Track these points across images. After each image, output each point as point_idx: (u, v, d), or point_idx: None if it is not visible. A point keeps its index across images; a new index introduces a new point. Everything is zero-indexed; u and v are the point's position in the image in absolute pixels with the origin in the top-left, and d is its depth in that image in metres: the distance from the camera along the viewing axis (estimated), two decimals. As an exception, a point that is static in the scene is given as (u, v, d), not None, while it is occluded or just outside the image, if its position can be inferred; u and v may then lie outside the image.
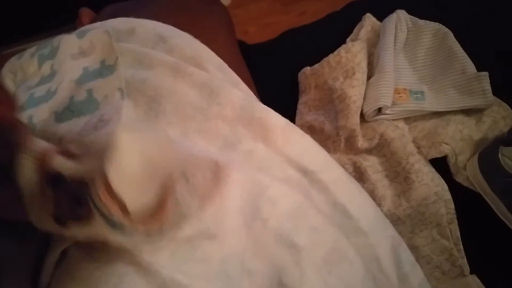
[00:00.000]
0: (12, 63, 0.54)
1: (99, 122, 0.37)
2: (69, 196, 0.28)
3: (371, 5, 0.70)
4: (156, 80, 0.40)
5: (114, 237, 0.29)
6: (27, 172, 0.28)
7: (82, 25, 0.73)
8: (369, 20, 0.67)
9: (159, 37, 0.43)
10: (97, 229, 0.29)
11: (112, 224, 0.28)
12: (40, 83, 0.45)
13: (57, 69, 0.44)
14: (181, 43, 0.43)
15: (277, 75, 0.65)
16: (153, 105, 0.39)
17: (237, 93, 0.40)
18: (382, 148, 0.56)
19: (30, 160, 0.27)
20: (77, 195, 0.28)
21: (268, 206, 0.35)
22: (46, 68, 0.46)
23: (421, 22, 0.64)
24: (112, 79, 0.40)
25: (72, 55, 0.44)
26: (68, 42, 0.45)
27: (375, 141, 0.56)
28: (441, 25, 0.62)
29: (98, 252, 0.34)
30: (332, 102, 0.58)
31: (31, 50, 0.51)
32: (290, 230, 0.35)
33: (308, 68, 0.62)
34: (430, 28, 0.63)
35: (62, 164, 0.28)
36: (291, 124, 0.41)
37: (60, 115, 0.39)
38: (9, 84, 0.56)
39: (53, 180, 0.28)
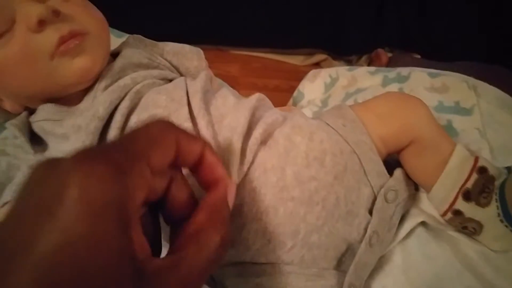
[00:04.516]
0: (340, 71, 0.69)
1: None
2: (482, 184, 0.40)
3: None
4: None
5: (494, 226, 0.40)
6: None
7: (381, 63, 0.88)
8: None
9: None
10: (487, 215, 0.40)
11: (506, 215, 0.39)
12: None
13: (408, 92, 0.56)
14: None
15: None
16: None
17: None
18: None
19: None
20: (485, 186, 0.40)
21: None
22: (392, 88, 0.59)
23: None
24: (469, 119, 0.51)
25: (424, 87, 0.56)
26: (419, 75, 0.58)
27: None
28: None
29: (446, 237, 0.43)
30: None
31: (370, 69, 0.66)
32: None
33: None
34: None
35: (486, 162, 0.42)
36: None
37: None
38: (319, 84, 0.70)
39: (479, 170, 0.41)
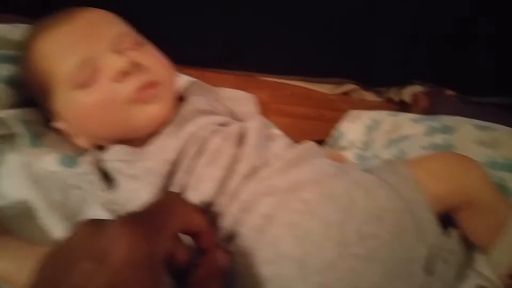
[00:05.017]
0: (381, 115, 0.70)
1: None
2: None
3: None
4: None
5: None
6: None
7: (419, 107, 0.89)
8: None
9: None
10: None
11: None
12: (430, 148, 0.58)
13: (456, 145, 0.57)
14: None
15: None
16: None
17: None
18: None
19: None
20: None
21: None
22: (437, 139, 0.59)
23: None
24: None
25: (473, 140, 0.56)
26: (465, 127, 0.58)
27: None
28: None
29: None
30: None
31: (412, 116, 0.66)
32: None
33: None
34: None
35: None
36: None
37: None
38: (360, 126, 0.71)
39: None
